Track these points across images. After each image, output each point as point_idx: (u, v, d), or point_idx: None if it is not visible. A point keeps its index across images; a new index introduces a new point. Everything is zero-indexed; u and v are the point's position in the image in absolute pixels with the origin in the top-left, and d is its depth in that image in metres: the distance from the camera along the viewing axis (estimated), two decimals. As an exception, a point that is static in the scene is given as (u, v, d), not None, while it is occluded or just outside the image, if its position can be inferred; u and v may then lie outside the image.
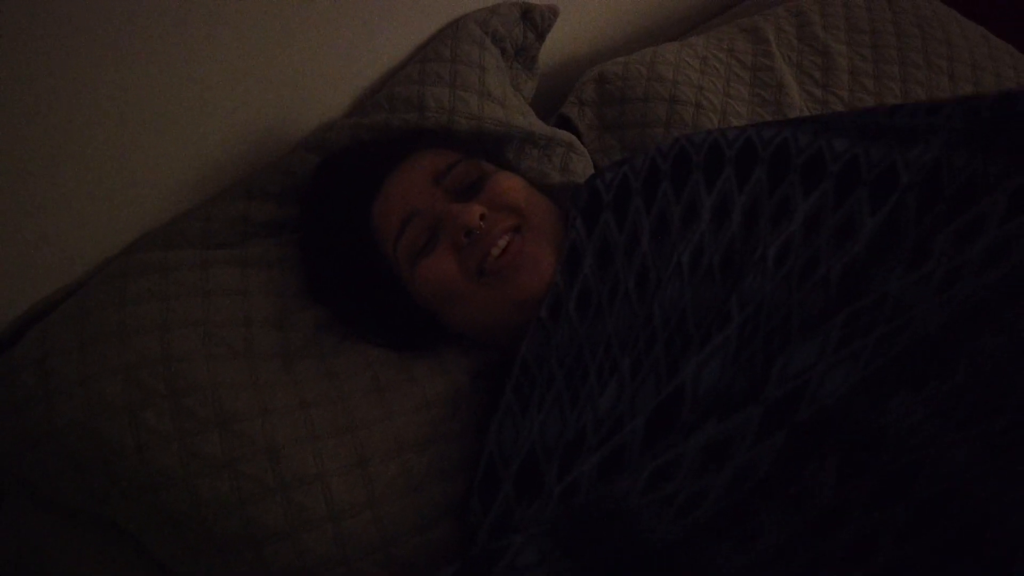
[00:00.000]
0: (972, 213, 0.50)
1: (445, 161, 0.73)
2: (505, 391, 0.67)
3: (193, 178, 0.78)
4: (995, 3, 1.38)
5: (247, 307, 0.73)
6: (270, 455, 0.64)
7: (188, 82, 0.70)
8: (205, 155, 0.77)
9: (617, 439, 0.56)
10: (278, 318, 0.74)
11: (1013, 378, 0.42)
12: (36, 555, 0.69)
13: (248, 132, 0.79)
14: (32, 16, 0.58)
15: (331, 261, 0.76)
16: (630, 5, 1.19)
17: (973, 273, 0.47)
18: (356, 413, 0.69)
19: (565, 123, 1.01)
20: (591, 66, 1.04)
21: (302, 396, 0.68)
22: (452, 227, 0.68)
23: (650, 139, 0.96)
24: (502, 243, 0.68)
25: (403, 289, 0.73)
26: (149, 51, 0.66)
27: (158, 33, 0.66)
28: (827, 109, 1.03)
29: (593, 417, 0.60)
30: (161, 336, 0.67)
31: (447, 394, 0.72)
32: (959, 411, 0.43)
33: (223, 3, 0.68)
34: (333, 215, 0.75)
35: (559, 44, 1.07)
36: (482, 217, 0.68)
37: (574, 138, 0.92)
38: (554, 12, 0.93)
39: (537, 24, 0.93)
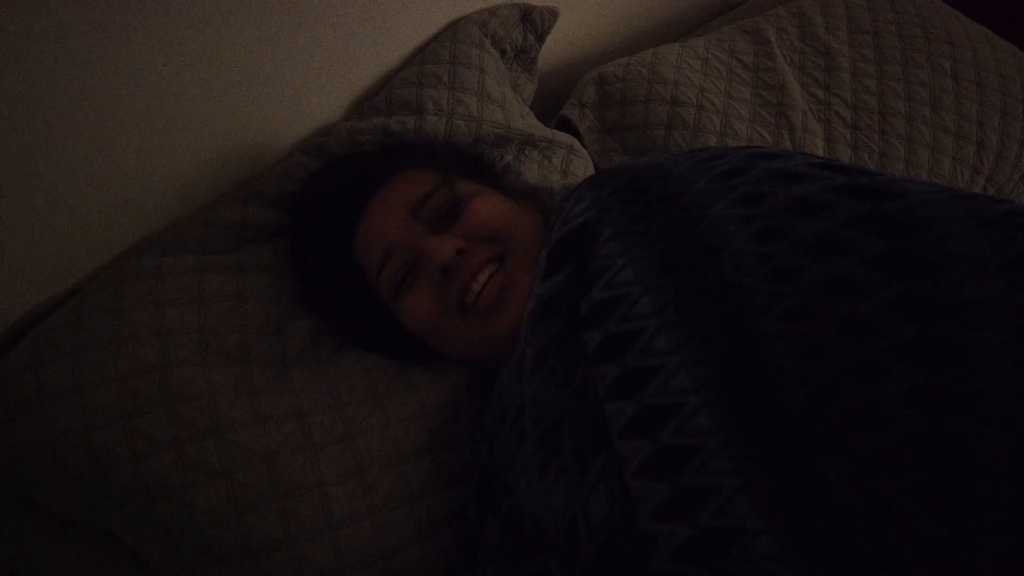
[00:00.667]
0: None
1: (423, 188, 0.70)
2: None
3: (190, 183, 0.77)
4: (998, 3, 1.37)
5: (243, 313, 0.72)
6: (267, 463, 0.64)
7: (185, 86, 0.70)
8: (202, 160, 0.77)
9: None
10: (275, 324, 0.73)
11: None
12: (31, 565, 0.68)
13: (245, 136, 0.79)
14: (30, 21, 0.57)
15: (320, 279, 0.75)
16: (630, 6, 1.18)
17: None
18: (354, 421, 0.68)
19: (565, 125, 1.00)
20: (591, 68, 1.03)
21: (299, 404, 0.68)
22: (429, 265, 0.66)
23: (651, 141, 0.95)
24: (482, 279, 0.66)
25: (390, 310, 0.72)
26: (144, 54, 0.65)
27: (155, 36, 0.65)
28: (830, 110, 1.03)
29: None
30: (156, 343, 0.67)
31: (446, 401, 0.71)
32: None
33: (222, 5, 0.68)
34: (318, 240, 0.74)
35: (559, 46, 1.06)
36: (459, 251, 0.66)
37: (575, 140, 0.92)
38: (554, 13, 0.93)
39: (537, 25, 0.92)
